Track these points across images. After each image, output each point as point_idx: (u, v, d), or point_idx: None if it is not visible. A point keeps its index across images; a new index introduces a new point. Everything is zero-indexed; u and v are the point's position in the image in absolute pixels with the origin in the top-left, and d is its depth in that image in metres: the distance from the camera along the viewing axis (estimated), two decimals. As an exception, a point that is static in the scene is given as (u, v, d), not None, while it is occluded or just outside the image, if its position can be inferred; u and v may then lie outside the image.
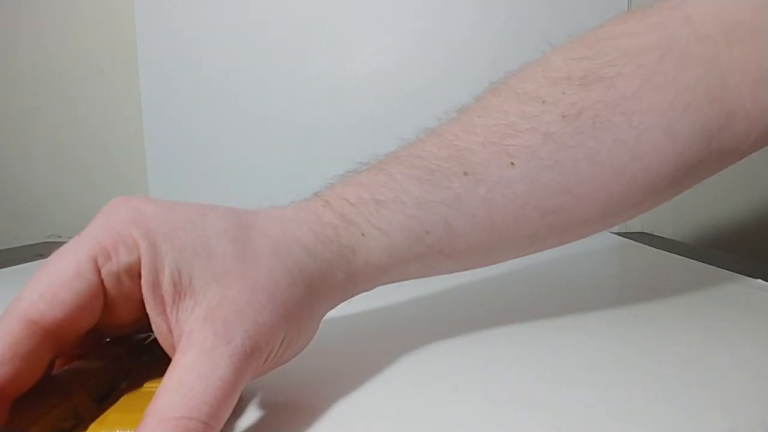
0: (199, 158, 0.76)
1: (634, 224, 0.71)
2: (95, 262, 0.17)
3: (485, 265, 0.27)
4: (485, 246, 0.26)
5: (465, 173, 0.24)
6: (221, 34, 0.74)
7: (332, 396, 0.23)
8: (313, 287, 0.21)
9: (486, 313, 0.33)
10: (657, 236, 0.68)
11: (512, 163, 0.24)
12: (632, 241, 0.61)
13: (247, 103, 0.75)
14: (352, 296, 0.24)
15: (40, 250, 0.63)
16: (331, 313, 0.33)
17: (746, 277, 0.41)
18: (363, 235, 0.23)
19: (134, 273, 0.18)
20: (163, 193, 0.77)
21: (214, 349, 0.17)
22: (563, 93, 0.25)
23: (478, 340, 0.28)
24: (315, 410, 0.21)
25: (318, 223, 0.22)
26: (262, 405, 0.22)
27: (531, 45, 0.78)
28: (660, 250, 0.55)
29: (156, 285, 0.18)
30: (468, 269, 0.27)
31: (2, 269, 0.52)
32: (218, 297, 0.18)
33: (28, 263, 0.55)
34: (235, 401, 0.17)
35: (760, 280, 0.39)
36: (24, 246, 0.71)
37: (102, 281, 0.17)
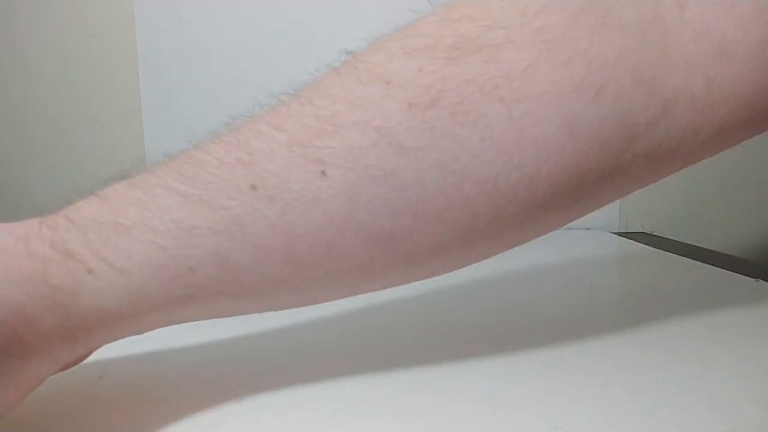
0: (199, 158, 0.76)
1: (635, 224, 0.71)
2: None
3: (304, 305, 0.21)
4: (288, 285, 0.19)
5: (253, 186, 0.18)
6: (221, 32, 0.74)
7: (330, 396, 0.23)
8: None
9: (486, 312, 0.33)
10: (657, 236, 0.68)
11: (323, 173, 0.18)
12: (632, 241, 0.61)
13: (247, 103, 0.75)
14: (90, 350, 0.19)
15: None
16: (328, 312, 0.33)
17: (746, 277, 0.41)
18: (89, 272, 0.17)
19: None
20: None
21: None
22: (419, 70, 0.18)
23: (478, 340, 0.28)
24: (312, 410, 0.21)
25: (16, 255, 0.16)
26: (257, 405, 0.22)
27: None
28: (660, 250, 0.55)
29: None
30: (285, 309, 0.21)
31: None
32: None
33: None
34: None
35: (760, 280, 0.39)
36: (24, 246, 0.71)
37: None
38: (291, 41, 0.74)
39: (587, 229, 0.67)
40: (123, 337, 0.19)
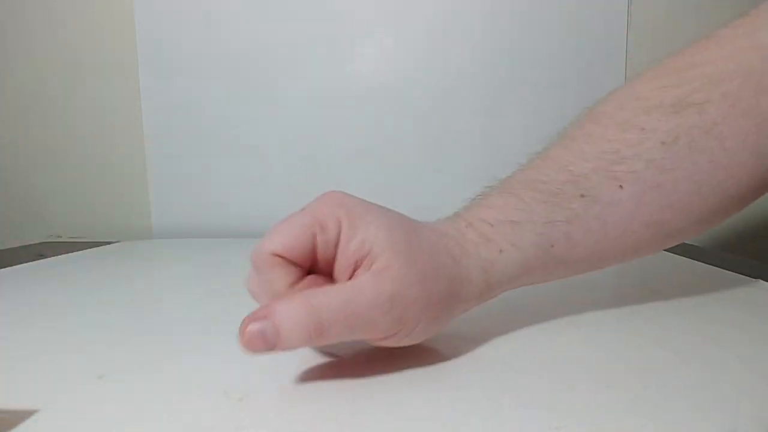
0: (200, 158, 0.76)
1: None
2: (313, 231, 0.24)
3: (595, 270, 0.31)
4: (598, 255, 0.29)
5: (582, 195, 0.28)
6: (221, 34, 0.74)
7: (331, 393, 0.23)
8: (453, 287, 0.25)
9: (485, 311, 0.33)
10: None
11: (620, 186, 0.28)
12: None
13: (247, 102, 0.75)
14: (487, 300, 0.28)
15: (40, 250, 0.63)
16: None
17: (746, 277, 0.41)
18: (501, 251, 0.27)
19: (332, 242, 0.24)
20: (164, 194, 0.77)
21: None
22: (659, 120, 0.28)
23: (478, 340, 0.28)
24: (314, 406, 0.21)
25: (462, 239, 0.27)
26: (259, 405, 0.22)
27: (534, 48, 0.78)
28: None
29: (346, 249, 0.24)
30: (580, 274, 0.31)
31: (2, 269, 0.52)
32: (386, 262, 0.23)
33: (28, 263, 0.55)
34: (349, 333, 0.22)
35: (760, 280, 0.39)
36: (24, 246, 0.71)
37: (315, 244, 0.24)
38: (290, 40, 0.74)
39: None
40: (502, 292, 0.28)
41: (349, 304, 0.22)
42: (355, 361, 0.26)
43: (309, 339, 0.22)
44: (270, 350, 0.21)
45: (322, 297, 0.22)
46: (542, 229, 0.28)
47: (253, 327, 0.21)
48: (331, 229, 0.24)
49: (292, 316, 0.21)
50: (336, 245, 0.24)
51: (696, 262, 0.48)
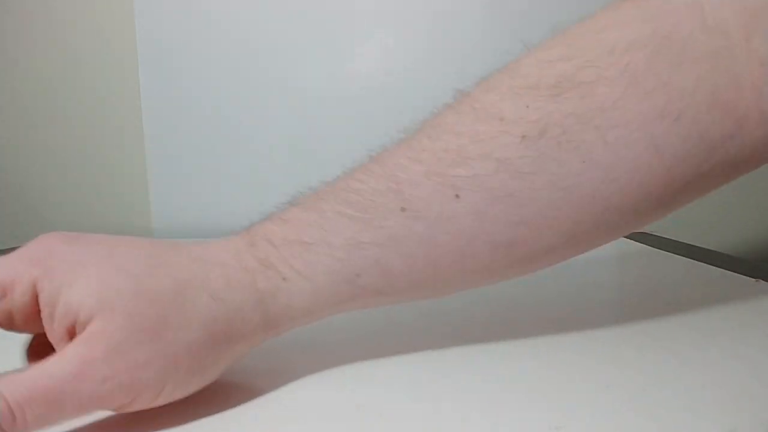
0: (200, 158, 0.76)
1: (634, 224, 0.71)
2: None
3: (437, 297, 0.26)
4: (429, 283, 0.24)
5: (402, 209, 0.22)
6: (221, 34, 0.74)
7: (332, 394, 0.23)
8: (217, 329, 0.21)
9: (485, 311, 0.33)
10: (657, 236, 0.68)
11: (457, 196, 0.22)
12: (632, 241, 0.61)
13: (247, 102, 0.75)
14: (279, 335, 0.23)
15: (40, 250, 0.63)
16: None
17: (746, 277, 0.41)
18: (284, 279, 0.22)
19: (26, 310, 0.19)
20: (164, 194, 0.77)
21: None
22: (527, 107, 0.22)
23: (478, 339, 0.28)
24: (315, 409, 0.21)
25: (234, 267, 0.22)
26: (260, 405, 0.22)
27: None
28: (660, 250, 0.55)
29: (51, 317, 0.19)
30: (416, 300, 0.26)
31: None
32: (100, 325, 0.19)
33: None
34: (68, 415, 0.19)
35: (760, 280, 0.39)
36: (24, 246, 0.71)
37: None
38: (290, 40, 0.74)
39: (587, 229, 0.67)
40: (301, 326, 0.24)
41: (47, 379, 0.18)
42: (355, 360, 0.26)
43: None
44: None
45: (10, 379, 0.18)
46: (342, 253, 0.22)
47: None
48: (19, 294, 0.19)
49: None
50: (30, 313, 0.19)
51: (696, 262, 0.48)
